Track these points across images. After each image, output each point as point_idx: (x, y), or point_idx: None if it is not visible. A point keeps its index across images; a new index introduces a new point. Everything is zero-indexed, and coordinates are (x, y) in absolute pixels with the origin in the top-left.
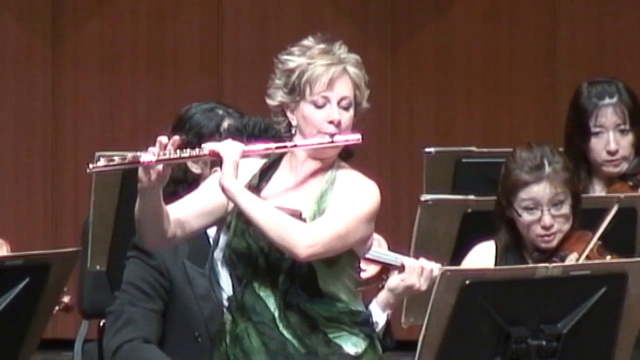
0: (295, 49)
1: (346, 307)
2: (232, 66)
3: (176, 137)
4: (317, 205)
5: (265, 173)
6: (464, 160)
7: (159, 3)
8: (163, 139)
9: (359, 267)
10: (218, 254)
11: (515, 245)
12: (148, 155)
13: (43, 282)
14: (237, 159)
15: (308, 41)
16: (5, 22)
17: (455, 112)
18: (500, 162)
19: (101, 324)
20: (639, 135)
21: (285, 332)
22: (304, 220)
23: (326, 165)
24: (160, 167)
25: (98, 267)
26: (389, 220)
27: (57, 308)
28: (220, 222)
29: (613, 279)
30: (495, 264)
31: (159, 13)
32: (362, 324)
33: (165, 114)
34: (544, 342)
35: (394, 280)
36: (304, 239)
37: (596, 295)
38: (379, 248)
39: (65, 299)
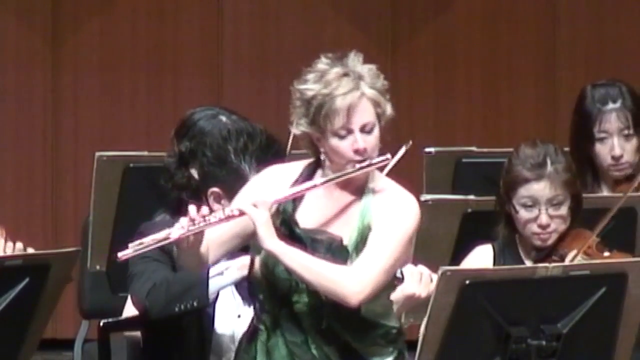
0: (310, 76)
1: (383, 327)
2: (232, 66)
3: (205, 208)
4: (358, 231)
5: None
6: (464, 160)
7: (159, 3)
8: (192, 211)
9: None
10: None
11: (512, 242)
12: (177, 231)
13: (43, 282)
14: (267, 218)
15: (322, 64)
16: (5, 22)
17: (455, 112)
18: (500, 162)
19: (101, 324)
20: None
21: (316, 353)
22: (345, 248)
23: (360, 181)
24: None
25: (98, 267)
26: None
27: None
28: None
29: (613, 278)
30: (494, 266)
31: (159, 13)
32: (394, 340)
33: (165, 114)
34: (544, 342)
35: (395, 293)
36: (353, 287)
37: (596, 295)
38: None
39: None
